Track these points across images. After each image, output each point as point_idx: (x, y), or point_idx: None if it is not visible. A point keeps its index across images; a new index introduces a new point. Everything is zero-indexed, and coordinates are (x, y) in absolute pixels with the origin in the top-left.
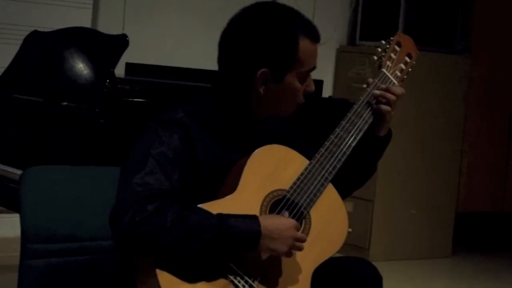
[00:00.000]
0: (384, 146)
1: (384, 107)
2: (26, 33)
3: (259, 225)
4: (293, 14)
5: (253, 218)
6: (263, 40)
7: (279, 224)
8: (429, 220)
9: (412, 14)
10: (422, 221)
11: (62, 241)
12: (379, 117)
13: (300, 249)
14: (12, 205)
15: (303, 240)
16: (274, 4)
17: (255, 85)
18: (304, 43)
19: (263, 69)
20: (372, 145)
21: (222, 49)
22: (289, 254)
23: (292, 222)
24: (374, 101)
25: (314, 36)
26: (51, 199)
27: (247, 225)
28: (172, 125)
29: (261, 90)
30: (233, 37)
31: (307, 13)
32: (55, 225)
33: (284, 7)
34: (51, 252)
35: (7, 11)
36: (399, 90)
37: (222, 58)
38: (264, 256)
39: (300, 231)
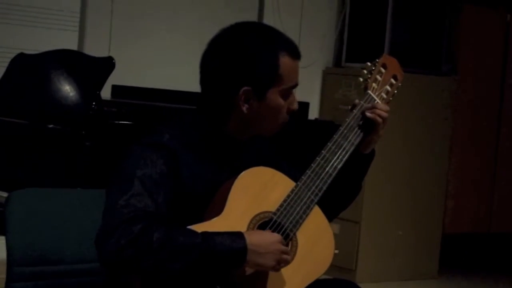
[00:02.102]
0: (369, 164)
1: (378, 119)
2: (12, 55)
3: (244, 241)
4: (273, 32)
5: (238, 234)
6: (243, 58)
7: (264, 238)
8: (416, 241)
9: (398, 36)
10: (408, 243)
11: (48, 263)
12: (368, 134)
13: (287, 262)
14: None
15: (289, 253)
16: (253, 23)
17: (238, 104)
18: (284, 60)
19: (245, 88)
20: (357, 164)
21: (203, 70)
22: (276, 268)
23: (277, 236)
24: (361, 122)
25: (294, 53)
26: (37, 221)
27: (232, 242)
28: (158, 148)
29: (244, 109)
30: (214, 57)
31: (293, 35)
32: (41, 248)
33: (263, 25)
34: (37, 275)
35: None
36: (383, 107)
37: (203, 79)
38: (251, 272)
39: None
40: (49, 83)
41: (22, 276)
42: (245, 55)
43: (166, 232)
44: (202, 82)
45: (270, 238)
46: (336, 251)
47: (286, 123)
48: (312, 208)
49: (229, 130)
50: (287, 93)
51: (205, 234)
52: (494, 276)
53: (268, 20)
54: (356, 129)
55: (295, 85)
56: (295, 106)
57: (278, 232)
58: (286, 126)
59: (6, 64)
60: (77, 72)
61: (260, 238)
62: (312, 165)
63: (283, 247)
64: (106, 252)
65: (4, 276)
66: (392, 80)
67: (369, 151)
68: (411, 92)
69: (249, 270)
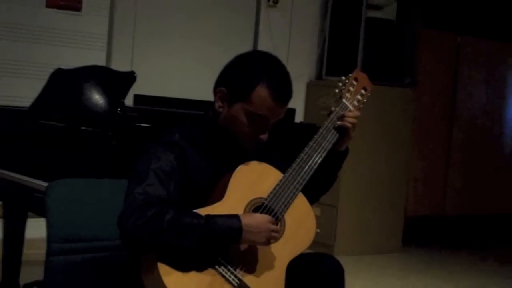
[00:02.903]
0: (343, 159)
1: (347, 124)
2: (52, 70)
3: (240, 221)
4: (275, 71)
5: (235, 216)
6: (237, 69)
7: (256, 219)
8: (383, 221)
9: (368, 54)
10: (377, 223)
11: (81, 240)
12: (342, 135)
13: (276, 239)
14: (40, 212)
15: (278, 231)
16: (274, 58)
17: (215, 100)
18: (261, 90)
19: (223, 88)
20: (334, 159)
21: None
22: (267, 244)
23: (267, 217)
24: (336, 125)
25: (276, 95)
26: (72, 206)
27: (230, 222)
28: (169, 146)
29: (217, 106)
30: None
31: (283, 54)
32: (75, 227)
33: (277, 64)
34: (71, 250)
35: (36, 52)
36: (352, 114)
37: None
38: (246, 247)
39: None
40: (82, 93)
41: (60, 251)
42: (239, 68)
43: (175, 215)
44: None
45: (261, 219)
46: (318, 230)
47: (251, 146)
48: (297, 195)
49: (220, 127)
50: (254, 118)
51: (207, 216)
52: (447, 251)
53: (262, 44)
54: (332, 130)
55: (264, 117)
56: (263, 137)
57: (269, 215)
58: (277, 128)
59: (47, 77)
60: (105, 84)
61: (253, 219)
62: (297, 159)
63: (273, 226)
64: (126, 232)
65: (43, 251)
66: (363, 91)
67: (344, 149)
68: (379, 100)
69: (244, 246)
